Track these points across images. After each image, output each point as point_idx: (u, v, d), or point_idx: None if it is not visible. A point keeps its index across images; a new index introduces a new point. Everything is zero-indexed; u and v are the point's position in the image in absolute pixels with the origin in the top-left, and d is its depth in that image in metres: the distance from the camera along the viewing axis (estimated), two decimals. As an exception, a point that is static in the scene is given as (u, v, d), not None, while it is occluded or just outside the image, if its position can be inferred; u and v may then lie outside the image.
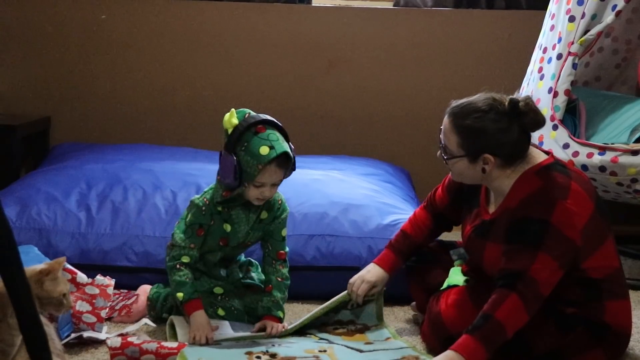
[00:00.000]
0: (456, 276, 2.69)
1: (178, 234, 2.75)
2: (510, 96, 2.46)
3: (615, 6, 3.35)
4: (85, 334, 2.62)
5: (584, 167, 3.24)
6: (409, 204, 3.53)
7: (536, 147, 2.57)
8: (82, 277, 2.72)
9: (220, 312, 2.78)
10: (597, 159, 3.21)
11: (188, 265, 2.73)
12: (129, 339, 2.51)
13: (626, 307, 2.51)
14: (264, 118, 2.69)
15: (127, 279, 3.05)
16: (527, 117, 2.42)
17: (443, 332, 2.55)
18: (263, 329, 2.74)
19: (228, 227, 2.78)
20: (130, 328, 2.73)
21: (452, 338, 2.44)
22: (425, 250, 2.86)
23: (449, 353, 2.31)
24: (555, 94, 3.41)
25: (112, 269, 3.05)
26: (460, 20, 4.35)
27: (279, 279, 2.82)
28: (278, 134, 2.68)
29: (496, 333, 2.31)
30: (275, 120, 2.71)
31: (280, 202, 2.84)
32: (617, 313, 2.47)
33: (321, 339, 2.69)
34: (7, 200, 3.25)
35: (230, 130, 2.66)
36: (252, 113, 2.70)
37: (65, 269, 2.71)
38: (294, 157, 2.72)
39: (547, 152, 2.54)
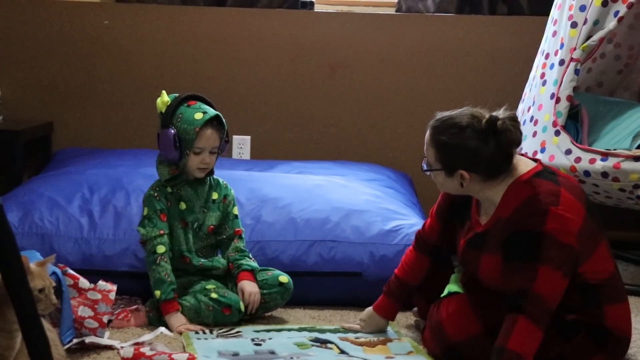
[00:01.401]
0: (457, 283, 2.69)
1: (142, 229, 2.93)
2: (491, 113, 2.47)
3: (617, 12, 3.35)
4: (88, 339, 2.63)
5: (587, 173, 3.24)
6: (411, 210, 3.53)
7: (524, 155, 2.57)
8: (84, 282, 2.72)
9: (214, 295, 2.87)
10: (599, 164, 3.21)
11: (165, 255, 2.89)
12: (142, 350, 2.51)
13: (625, 310, 2.50)
14: (193, 94, 2.98)
15: (130, 284, 3.06)
16: (503, 136, 2.42)
17: (444, 340, 2.55)
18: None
19: (183, 205, 2.98)
20: (146, 337, 2.73)
21: (453, 347, 2.44)
22: None
23: None
24: (558, 100, 3.41)
25: (114, 274, 3.06)
26: (462, 26, 4.35)
27: (236, 252, 3.03)
28: (206, 106, 2.97)
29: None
30: (204, 96, 3.01)
31: (225, 184, 3.09)
32: (617, 317, 2.47)
33: (342, 351, 2.66)
34: (9, 206, 3.26)
35: (164, 110, 2.94)
36: (173, 95, 2.97)
37: (67, 274, 2.71)
38: (227, 128, 3.00)
39: (535, 160, 2.54)
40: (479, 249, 2.52)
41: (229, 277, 3.03)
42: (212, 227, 3.03)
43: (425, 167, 2.55)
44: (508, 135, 2.43)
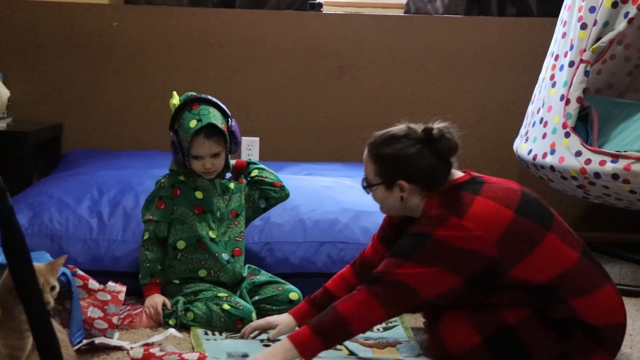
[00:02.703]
0: None
1: (142, 212, 3.02)
2: (429, 125, 2.51)
3: (627, 13, 3.33)
4: (97, 340, 2.62)
5: (597, 174, 3.22)
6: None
7: (466, 172, 2.56)
8: (93, 283, 2.72)
9: (226, 306, 2.84)
10: (609, 166, 3.19)
11: (149, 242, 2.95)
12: (152, 350, 2.51)
13: (598, 300, 2.44)
14: (199, 96, 2.98)
15: (139, 285, 3.05)
16: (439, 143, 2.46)
17: (443, 350, 2.53)
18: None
19: (200, 194, 3.00)
20: (156, 338, 2.73)
21: (452, 358, 2.44)
22: None
23: (284, 342, 2.34)
24: (567, 102, 3.40)
25: (123, 275, 3.05)
26: (471, 27, 4.34)
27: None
28: (212, 109, 2.95)
29: (336, 326, 2.33)
30: (212, 98, 2.98)
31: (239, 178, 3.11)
32: (589, 309, 2.41)
33: (351, 353, 2.64)
34: (19, 207, 3.26)
35: (173, 111, 2.98)
36: (193, 94, 2.99)
37: (77, 275, 2.71)
38: (232, 132, 2.98)
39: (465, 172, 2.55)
40: None
41: (237, 287, 3.02)
42: (234, 211, 3.04)
43: (365, 185, 2.56)
44: (444, 142, 2.46)
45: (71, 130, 4.38)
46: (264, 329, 2.71)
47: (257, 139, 4.37)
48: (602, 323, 2.43)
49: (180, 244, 2.97)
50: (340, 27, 4.35)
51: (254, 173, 3.10)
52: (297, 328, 2.63)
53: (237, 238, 3.04)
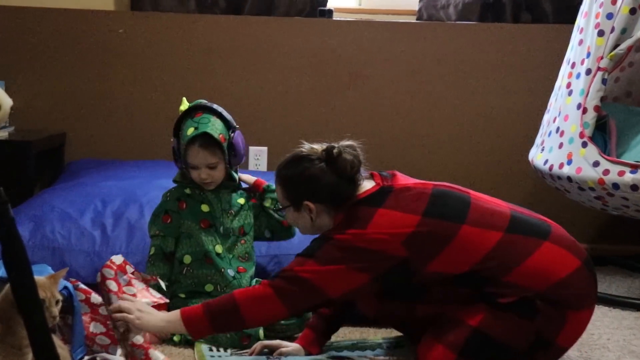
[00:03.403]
0: None
1: (148, 227, 3.02)
2: (331, 144, 2.58)
3: (646, 20, 3.31)
4: (99, 357, 2.61)
5: (615, 185, 3.20)
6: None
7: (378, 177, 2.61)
8: (96, 297, 2.70)
9: None
10: (628, 177, 3.17)
11: (154, 257, 2.94)
12: None
13: (536, 263, 2.44)
14: (204, 104, 2.95)
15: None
16: (339, 162, 2.53)
17: None
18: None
19: (206, 207, 2.98)
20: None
21: None
22: None
23: (174, 312, 2.45)
24: (585, 111, 3.38)
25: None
26: (485, 34, 4.33)
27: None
28: (213, 119, 2.93)
29: (228, 312, 2.41)
30: (217, 108, 2.96)
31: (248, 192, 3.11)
32: (531, 277, 2.43)
33: None
34: (20, 218, 3.25)
35: None
36: (204, 101, 2.98)
37: (79, 289, 2.69)
38: (232, 144, 2.94)
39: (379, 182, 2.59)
40: None
41: None
42: (242, 228, 3.03)
43: (278, 208, 2.66)
44: (342, 161, 2.52)
45: (75, 139, 4.38)
46: (273, 349, 2.71)
47: (265, 148, 4.37)
48: (548, 284, 2.43)
49: (187, 259, 2.95)
50: (351, 34, 4.35)
51: (267, 203, 3.08)
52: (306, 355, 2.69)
53: (240, 257, 3.01)
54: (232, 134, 2.97)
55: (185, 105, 2.98)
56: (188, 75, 4.35)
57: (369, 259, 2.41)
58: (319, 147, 2.59)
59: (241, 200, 3.06)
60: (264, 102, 4.36)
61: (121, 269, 2.58)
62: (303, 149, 2.62)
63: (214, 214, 2.98)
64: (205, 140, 2.90)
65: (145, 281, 2.68)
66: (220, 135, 2.91)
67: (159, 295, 2.64)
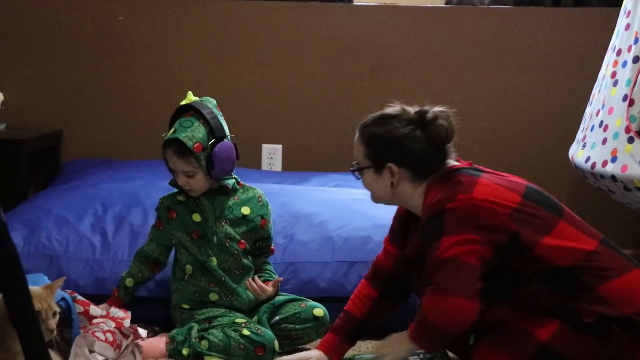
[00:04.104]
0: None
1: None
2: (423, 107, 2.59)
3: (699, 2, 3.31)
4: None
5: (664, 185, 3.20)
6: (464, 228, 3.52)
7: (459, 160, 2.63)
8: (95, 309, 2.74)
9: (246, 332, 2.85)
10: (679, 176, 3.17)
11: (136, 256, 3.06)
12: None
13: (628, 283, 2.46)
14: (198, 105, 2.97)
15: (148, 311, 3.07)
16: (432, 127, 2.54)
17: None
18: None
19: (197, 217, 3.02)
20: None
21: None
22: None
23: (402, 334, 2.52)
24: (631, 102, 3.38)
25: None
26: (521, 19, 4.33)
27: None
28: (197, 123, 2.94)
29: (426, 329, 2.44)
30: (207, 112, 2.95)
31: (259, 197, 3.12)
32: (621, 294, 2.44)
33: None
34: (13, 224, 3.28)
35: None
36: (204, 100, 3.01)
37: (77, 301, 2.73)
38: (210, 155, 2.92)
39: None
40: (417, 265, 2.59)
41: (254, 311, 3.04)
42: (242, 242, 3.04)
43: (354, 169, 2.65)
44: (437, 126, 2.54)
45: (71, 137, 4.41)
46: None
47: (280, 146, 4.39)
48: (635, 308, 2.43)
49: (188, 269, 3.01)
50: (373, 20, 4.36)
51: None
52: None
53: (236, 271, 3.04)
54: (217, 145, 2.95)
55: (189, 99, 3.01)
56: (195, 67, 4.37)
57: (486, 226, 2.42)
58: (410, 109, 2.60)
59: (245, 210, 3.07)
60: (277, 95, 4.38)
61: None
62: (393, 108, 2.62)
63: (207, 222, 3.01)
64: (178, 147, 2.93)
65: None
66: (197, 144, 2.91)
67: (122, 314, 2.67)
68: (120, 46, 4.37)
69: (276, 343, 2.85)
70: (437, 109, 2.58)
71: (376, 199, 2.68)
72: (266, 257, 3.14)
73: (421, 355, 2.85)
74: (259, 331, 2.85)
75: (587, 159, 3.53)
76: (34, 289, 2.19)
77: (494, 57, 4.36)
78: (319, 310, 2.98)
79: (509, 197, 2.46)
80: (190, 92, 3.04)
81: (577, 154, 3.64)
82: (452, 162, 2.59)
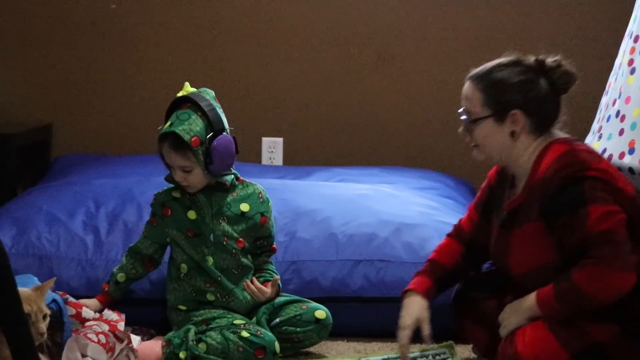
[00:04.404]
0: None
1: None
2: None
3: None
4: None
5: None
6: (474, 223, 3.52)
7: None
8: (87, 312, 2.73)
9: (245, 334, 2.84)
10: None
11: (128, 253, 3.06)
12: None
13: None
14: (196, 97, 2.95)
15: (144, 313, 3.07)
16: (556, 72, 2.60)
17: None
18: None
19: (193, 214, 3.01)
20: None
21: None
22: (475, 276, 2.91)
23: (531, 296, 2.52)
24: (649, 91, 3.37)
25: (124, 302, 3.06)
26: (535, 6, 4.32)
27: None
28: (195, 116, 2.92)
29: (573, 296, 2.45)
30: (205, 104, 2.93)
31: (260, 193, 3.10)
32: None
33: None
34: (2, 222, 3.29)
35: None
36: (202, 91, 3.00)
37: (69, 303, 2.72)
38: (208, 150, 2.90)
39: None
40: (510, 226, 2.61)
41: (253, 312, 3.03)
42: (241, 240, 3.03)
43: (468, 120, 2.63)
44: (561, 72, 2.60)
45: (62, 132, 4.41)
46: (413, 328, 2.73)
47: (281, 139, 4.38)
48: None
49: (184, 268, 3.00)
50: (379, 5, 4.35)
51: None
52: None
53: (234, 270, 3.03)
54: (215, 139, 2.93)
55: (186, 91, 2.99)
56: (192, 57, 4.36)
57: (619, 201, 2.47)
58: (527, 57, 2.64)
59: (244, 207, 3.06)
60: (278, 86, 4.37)
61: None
62: (508, 57, 2.64)
63: (204, 220, 3.01)
64: (174, 141, 2.92)
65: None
66: (194, 138, 2.90)
67: (115, 317, 2.67)
68: (113, 36, 4.37)
69: (277, 345, 2.85)
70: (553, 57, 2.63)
71: (488, 153, 2.67)
72: (268, 256, 3.13)
73: (430, 358, 2.86)
74: (259, 333, 2.85)
75: (604, 151, 3.52)
76: (23, 290, 2.19)
77: (506, 45, 4.33)
78: (321, 313, 2.97)
79: (627, 181, 2.57)
80: (187, 83, 3.03)
81: (593, 145, 3.63)
82: (558, 132, 2.64)
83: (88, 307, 2.85)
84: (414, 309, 2.72)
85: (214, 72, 4.33)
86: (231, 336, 2.84)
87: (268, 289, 3.01)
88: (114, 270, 3.04)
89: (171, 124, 2.92)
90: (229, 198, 3.05)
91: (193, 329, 2.90)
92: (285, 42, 4.36)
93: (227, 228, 3.01)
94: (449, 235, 2.89)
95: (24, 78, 4.40)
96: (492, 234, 2.73)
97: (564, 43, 4.32)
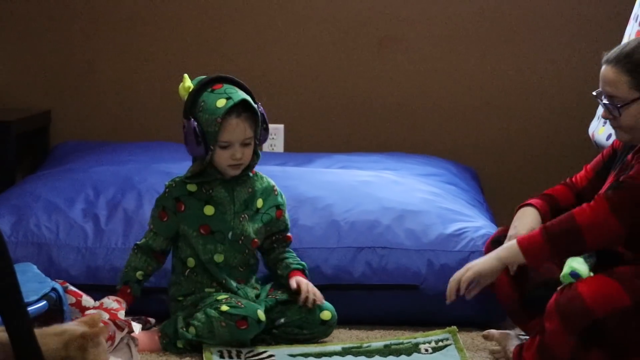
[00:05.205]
0: (579, 265, 2.62)
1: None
2: None
3: None
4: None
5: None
6: (477, 210, 3.51)
7: None
8: (88, 300, 2.74)
9: (224, 307, 2.83)
10: None
11: (137, 248, 2.98)
12: None
13: None
14: (220, 75, 2.95)
15: (143, 302, 3.05)
16: None
17: (586, 316, 2.49)
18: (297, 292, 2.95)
19: (210, 210, 2.96)
20: None
21: (599, 322, 2.48)
22: None
23: (511, 243, 2.59)
24: (654, 75, 3.36)
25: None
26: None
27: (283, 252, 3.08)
28: (237, 89, 2.93)
29: (569, 234, 2.53)
30: (234, 78, 2.97)
31: (274, 187, 3.08)
32: None
33: None
34: (0, 210, 3.29)
35: (186, 97, 2.94)
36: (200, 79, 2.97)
37: (68, 291, 2.73)
38: (262, 114, 2.95)
39: None
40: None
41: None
42: (256, 240, 3.01)
43: (616, 105, 2.62)
44: None
45: (61, 118, 4.41)
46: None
47: (282, 126, 4.38)
48: None
49: (190, 262, 2.97)
50: (380, -10, 4.35)
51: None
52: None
53: (240, 268, 3.01)
54: (261, 108, 2.98)
55: (189, 82, 2.95)
56: (191, 41, 4.35)
57: None
58: None
59: (259, 203, 3.04)
60: (279, 72, 4.37)
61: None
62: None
63: (221, 217, 2.96)
64: (243, 109, 2.90)
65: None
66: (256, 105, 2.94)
67: (115, 305, 2.69)
68: (112, 20, 4.36)
69: (260, 313, 2.83)
70: None
71: (632, 135, 2.67)
72: (284, 247, 3.08)
73: (433, 343, 2.87)
74: (239, 304, 2.83)
75: (609, 137, 3.52)
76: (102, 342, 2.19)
77: (512, 30, 4.33)
78: (327, 314, 2.96)
79: None
80: (186, 75, 2.98)
81: (598, 130, 3.63)
82: None
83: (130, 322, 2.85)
84: (529, 219, 2.76)
85: (214, 59, 4.32)
86: (212, 312, 2.82)
87: (316, 289, 2.98)
88: (126, 270, 2.96)
89: (227, 99, 2.87)
90: (249, 193, 3.01)
91: (180, 316, 2.90)
92: (285, 27, 4.35)
93: (247, 227, 2.98)
94: (563, 183, 2.92)
95: (23, 65, 4.39)
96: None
97: (568, 26, 4.31)
